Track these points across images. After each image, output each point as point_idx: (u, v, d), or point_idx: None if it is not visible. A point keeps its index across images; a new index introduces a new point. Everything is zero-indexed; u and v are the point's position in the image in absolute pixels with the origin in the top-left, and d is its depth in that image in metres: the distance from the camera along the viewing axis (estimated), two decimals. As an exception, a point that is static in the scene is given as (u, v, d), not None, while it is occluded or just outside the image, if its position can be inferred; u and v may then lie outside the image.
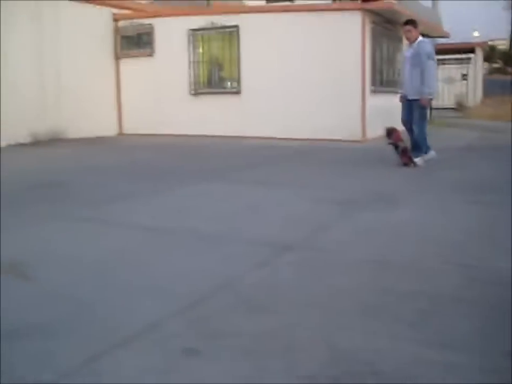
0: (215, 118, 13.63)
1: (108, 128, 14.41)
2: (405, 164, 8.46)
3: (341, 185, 6.88)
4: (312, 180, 7.37)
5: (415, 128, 8.63)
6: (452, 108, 24.79)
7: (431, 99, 8.87)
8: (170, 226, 4.91)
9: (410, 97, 8.63)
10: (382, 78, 13.64)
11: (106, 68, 14.48)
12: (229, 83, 13.77)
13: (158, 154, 10.56)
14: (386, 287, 3.39)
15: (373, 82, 12.94)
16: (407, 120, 8.72)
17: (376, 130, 11.43)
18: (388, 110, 11.92)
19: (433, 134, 12.54)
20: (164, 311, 3.04)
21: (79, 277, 3.61)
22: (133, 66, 14.35)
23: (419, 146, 8.68)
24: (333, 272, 3.69)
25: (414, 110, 8.62)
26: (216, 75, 13.92)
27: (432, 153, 8.82)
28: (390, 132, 8.52)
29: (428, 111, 8.88)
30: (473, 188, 6.74)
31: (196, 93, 13.83)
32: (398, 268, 3.78)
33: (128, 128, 14.56)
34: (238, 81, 13.44)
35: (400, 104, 8.92)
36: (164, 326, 2.86)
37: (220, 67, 13.87)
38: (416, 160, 8.54)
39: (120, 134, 14.60)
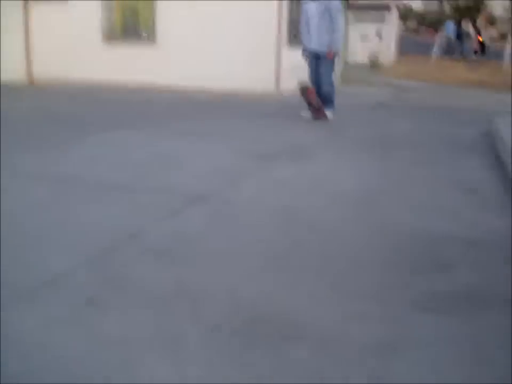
0: (129, 67, 13.30)
1: (15, 73, 13.78)
2: (317, 118, 8.68)
3: (256, 138, 6.87)
4: (228, 132, 7.32)
5: (324, 81, 8.75)
6: (366, 65, 25.05)
7: (336, 53, 8.90)
8: (81, 175, 4.80)
9: (317, 51, 8.69)
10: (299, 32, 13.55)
11: (13, 10, 13.79)
12: (143, 31, 13.42)
13: (71, 103, 10.25)
14: (294, 238, 3.47)
15: (290, 37, 12.86)
16: (315, 76, 8.83)
17: (291, 84, 11.39)
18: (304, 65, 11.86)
19: (345, 91, 12.94)
20: (72, 262, 3.00)
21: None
22: (45, 11, 13.76)
23: (331, 99, 8.85)
24: (244, 224, 3.74)
25: (322, 64, 8.74)
26: (130, 23, 13.54)
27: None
28: (304, 91, 8.67)
29: (335, 66, 8.98)
30: (383, 144, 6.89)
31: (110, 40, 13.43)
32: (306, 219, 3.88)
33: (39, 73, 13.98)
34: (153, 30, 13.13)
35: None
36: (70, 276, 2.83)
37: (134, 14, 13.47)
38: (328, 113, 8.77)
39: (30, 79, 14.04)
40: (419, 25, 49.51)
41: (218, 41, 12.61)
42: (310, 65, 8.87)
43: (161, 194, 4.34)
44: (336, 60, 8.86)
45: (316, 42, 8.72)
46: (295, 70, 11.97)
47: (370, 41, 27.59)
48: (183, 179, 4.80)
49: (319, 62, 8.73)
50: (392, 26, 28.56)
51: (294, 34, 13.18)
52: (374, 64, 25.05)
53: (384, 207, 4.22)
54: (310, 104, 8.68)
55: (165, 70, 13.09)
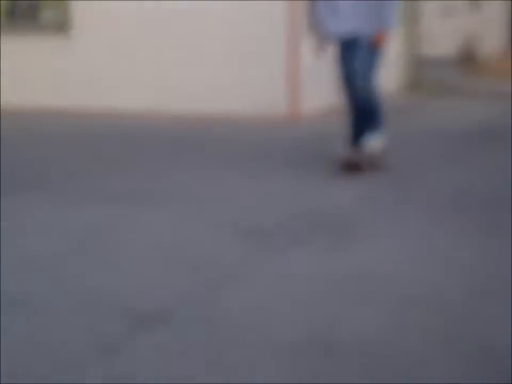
0: (21, 75, 7.95)
1: None
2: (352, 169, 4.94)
3: (254, 204, 4.29)
4: (205, 193, 4.60)
5: (363, 85, 5.01)
6: (454, 61, 13.75)
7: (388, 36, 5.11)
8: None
9: (355, 34, 4.95)
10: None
11: None
12: (47, 14, 8.04)
13: None
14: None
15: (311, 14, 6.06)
16: (351, 73, 4.96)
17: (318, 99, 7.19)
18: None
19: (413, 107, 8.28)
20: None
21: None
22: None
23: (374, 116, 5.10)
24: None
25: (360, 55, 4.95)
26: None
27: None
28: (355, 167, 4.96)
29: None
30: (486, 208, 4.11)
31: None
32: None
33: None
34: (66, 12, 7.81)
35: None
36: None
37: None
38: (372, 142, 5.03)
39: None
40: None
41: (185, 36, 7.49)
42: (342, 59, 5.04)
43: (86, 314, 2.51)
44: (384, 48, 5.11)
45: (351, 20, 4.98)
46: (322, 76, 6.65)
47: (461, 17, 15.29)
48: (126, 284, 2.88)
49: (355, 53, 4.95)
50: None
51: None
52: (467, 58, 14.11)
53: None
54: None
55: (87, 82, 7.74)
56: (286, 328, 2.43)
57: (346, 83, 5.04)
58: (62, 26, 7.76)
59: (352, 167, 4.91)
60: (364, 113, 5.14)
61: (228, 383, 2.06)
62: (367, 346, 2.26)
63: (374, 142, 5.08)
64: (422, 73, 10.28)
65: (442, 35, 14.32)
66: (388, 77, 8.60)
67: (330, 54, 5.12)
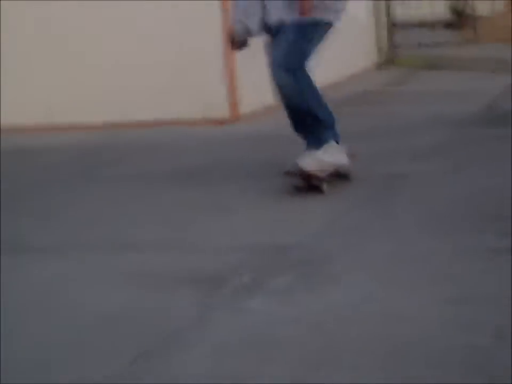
0: None
1: None
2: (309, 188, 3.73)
3: (194, 241, 3.19)
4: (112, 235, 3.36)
5: (298, 77, 3.78)
6: (446, 24, 11.61)
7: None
8: None
9: (281, 19, 3.82)
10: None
11: None
12: None
13: None
14: None
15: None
16: (273, 62, 3.85)
17: (261, 94, 5.62)
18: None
19: (401, 84, 7.20)
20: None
21: None
22: None
23: (318, 114, 3.80)
24: None
25: (283, 39, 3.84)
26: None
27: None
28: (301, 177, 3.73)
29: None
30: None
31: None
32: None
33: None
34: None
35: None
36: None
37: None
38: (320, 154, 3.70)
39: None
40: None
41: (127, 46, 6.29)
42: (270, 49, 4.04)
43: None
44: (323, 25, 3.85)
45: (277, 7, 3.84)
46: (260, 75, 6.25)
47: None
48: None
49: (278, 39, 3.89)
50: None
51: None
52: (460, 18, 11.48)
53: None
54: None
55: None
56: None
57: (271, 76, 3.86)
58: None
59: (299, 189, 3.73)
60: (299, 115, 3.83)
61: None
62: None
63: (317, 157, 3.68)
64: (402, 41, 8.70)
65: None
66: (357, 51, 7.61)
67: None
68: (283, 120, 4.00)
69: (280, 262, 2.85)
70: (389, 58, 8.51)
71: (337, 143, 3.81)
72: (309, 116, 3.78)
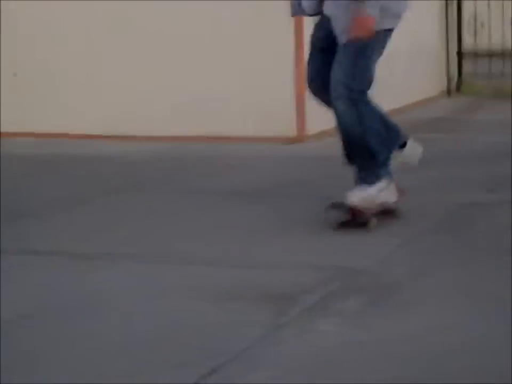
0: None
1: None
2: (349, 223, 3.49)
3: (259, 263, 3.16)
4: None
5: (359, 107, 3.48)
6: None
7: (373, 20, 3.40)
8: None
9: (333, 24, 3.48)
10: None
11: None
12: None
13: None
14: None
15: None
16: (322, 83, 3.54)
17: (329, 115, 4.96)
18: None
19: (470, 113, 7.31)
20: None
21: None
22: None
23: (377, 154, 3.51)
24: None
25: (343, 54, 3.48)
26: None
27: (411, 147, 3.73)
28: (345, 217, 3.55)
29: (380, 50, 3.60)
30: None
31: None
32: None
33: None
34: None
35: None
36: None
37: None
38: (371, 191, 3.47)
39: None
40: None
41: (166, 34, 6.37)
42: (312, 59, 3.70)
43: None
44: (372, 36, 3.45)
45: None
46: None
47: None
48: None
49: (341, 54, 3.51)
50: None
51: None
52: None
53: None
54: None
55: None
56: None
57: (320, 95, 3.65)
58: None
59: (343, 224, 3.49)
60: (351, 145, 3.55)
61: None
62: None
63: (368, 193, 3.46)
64: (471, 70, 8.37)
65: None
66: (426, 78, 7.40)
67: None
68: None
69: (349, 285, 2.85)
70: (458, 86, 8.41)
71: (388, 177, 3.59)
72: (365, 151, 3.52)
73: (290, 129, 6.08)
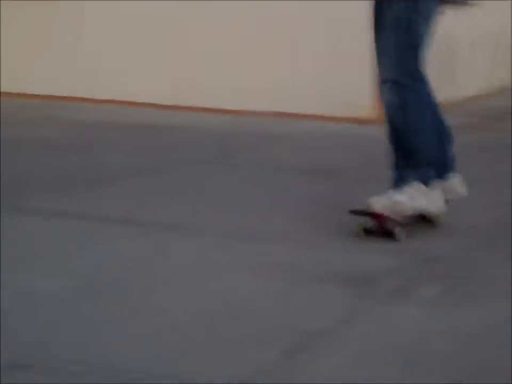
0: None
1: None
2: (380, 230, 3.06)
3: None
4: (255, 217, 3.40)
5: (408, 95, 3.02)
6: None
7: None
8: None
9: None
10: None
11: None
12: None
13: None
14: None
15: None
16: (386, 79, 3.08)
17: None
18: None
19: None
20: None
21: None
22: None
23: (416, 152, 3.07)
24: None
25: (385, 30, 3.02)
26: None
27: (456, 183, 3.20)
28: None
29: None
30: None
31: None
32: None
33: None
34: None
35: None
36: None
37: None
38: (400, 197, 3.00)
39: None
40: None
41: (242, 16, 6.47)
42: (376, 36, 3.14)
43: None
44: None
45: None
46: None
47: None
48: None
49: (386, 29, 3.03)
50: None
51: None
52: None
53: None
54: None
55: (103, 64, 6.74)
56: None
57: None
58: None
59: (368, 232, 3.07)
60: (397, 136, 3.09)
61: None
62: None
63: (393, 198, 3.00)
64: None
65: None
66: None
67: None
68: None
69: (428, 271, 2.77)
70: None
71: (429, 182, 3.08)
72: (404, 147, 3.08)
73: (366, 111, 6.15)
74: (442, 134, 3.13)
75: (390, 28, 2.97)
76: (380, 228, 3.03)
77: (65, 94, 6.64)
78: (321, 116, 6.11)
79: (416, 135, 3.04)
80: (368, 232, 3.06)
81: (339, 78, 6.24)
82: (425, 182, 3.04)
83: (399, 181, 3.06)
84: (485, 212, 3.51)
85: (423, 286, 2.60)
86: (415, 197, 3.00)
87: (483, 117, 6.00)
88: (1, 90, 6.61)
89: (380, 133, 5.34)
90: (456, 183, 3.19)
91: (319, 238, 3.12)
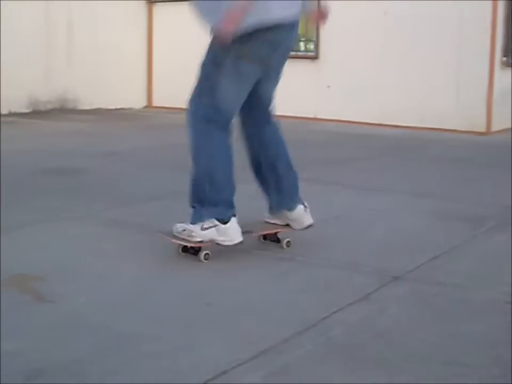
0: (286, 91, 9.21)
1: (132, 98, 11.41)
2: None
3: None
4: (424, 184, 5.53)
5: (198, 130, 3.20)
6: None
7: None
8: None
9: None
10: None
11: (134, 15, 11.30)
12: (303, 43, 10.30)
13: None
14: None
15: (505, 51, 9.15)
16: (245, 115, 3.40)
17: (506, 119, 9.15)
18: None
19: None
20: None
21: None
22: (173, 15, 10.99)
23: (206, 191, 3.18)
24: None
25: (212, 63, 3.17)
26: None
27: (301, 214, 3.40)
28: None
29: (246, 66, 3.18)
30: None
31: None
32: None
33: (160, 98, 11.48)
34: (317, 43, 10.15)
35: None
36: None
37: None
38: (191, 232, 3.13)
39: (149, 106, 11.72)
40: None
41: (404, 62, 9.36)
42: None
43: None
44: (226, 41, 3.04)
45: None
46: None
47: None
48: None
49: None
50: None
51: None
52: None
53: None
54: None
55: (327, 96, 9.98)
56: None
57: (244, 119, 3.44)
58: (313, 54, 10.25)
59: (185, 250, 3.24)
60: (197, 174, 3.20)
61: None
62: None
63: (188, 230, 3.13)
64: None
65: None
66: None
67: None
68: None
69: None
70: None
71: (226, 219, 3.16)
72: (202, 181, 3.14)
73: (481, 125, 8.90)
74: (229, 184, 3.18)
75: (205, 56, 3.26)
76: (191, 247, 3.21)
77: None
78: (448, 129, 8.98)
79: (206, 176, 3.15)
80: (184, 249, 3.25)
81: (462, 97, 8.97)
82: (223, 217, 3.15)
83: (194, 216, 3.18)
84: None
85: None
86: (209, 229, 3.13)
87: None
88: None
89: (492, 141, 8.32)
90: (300, 213, 3.38)
91: (449, 195, 5.16)
